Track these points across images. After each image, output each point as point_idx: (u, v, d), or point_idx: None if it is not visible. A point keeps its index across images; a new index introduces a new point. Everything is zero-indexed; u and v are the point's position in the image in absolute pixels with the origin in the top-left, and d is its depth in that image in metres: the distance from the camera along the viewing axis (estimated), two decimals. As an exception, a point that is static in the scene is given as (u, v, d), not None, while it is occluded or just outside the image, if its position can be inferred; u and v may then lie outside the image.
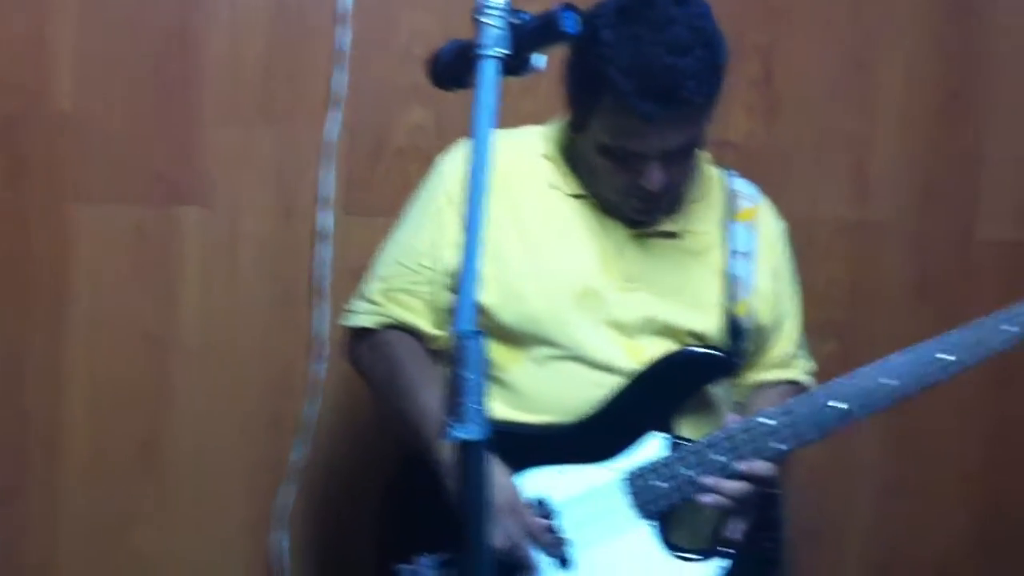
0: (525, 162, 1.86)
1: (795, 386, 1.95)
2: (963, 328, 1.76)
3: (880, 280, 2.68)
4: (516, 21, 1.29)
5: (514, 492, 1.74)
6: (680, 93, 1.66)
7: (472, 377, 1.26)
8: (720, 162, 1.96)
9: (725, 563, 1.78)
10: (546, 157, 1.87)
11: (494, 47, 1.28)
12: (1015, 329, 1.73)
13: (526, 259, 1.81)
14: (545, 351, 1.80)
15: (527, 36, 1.29)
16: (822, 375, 1.98)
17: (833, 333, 2.55)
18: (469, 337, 1.26)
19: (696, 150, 1.79)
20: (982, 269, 2.70)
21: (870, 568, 2.75)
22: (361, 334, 1.90)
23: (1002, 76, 2.66)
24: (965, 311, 1.86)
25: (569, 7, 1.30)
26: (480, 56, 1.28)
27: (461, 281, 1.26)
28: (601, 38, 1.68)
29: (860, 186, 2.64)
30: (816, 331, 2.08)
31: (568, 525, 1.77)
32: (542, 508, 1.77)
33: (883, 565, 2.75)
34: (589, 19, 1.63)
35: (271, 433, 2.34)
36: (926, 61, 2.63)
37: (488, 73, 1.29)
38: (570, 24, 1.31)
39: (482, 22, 1.28)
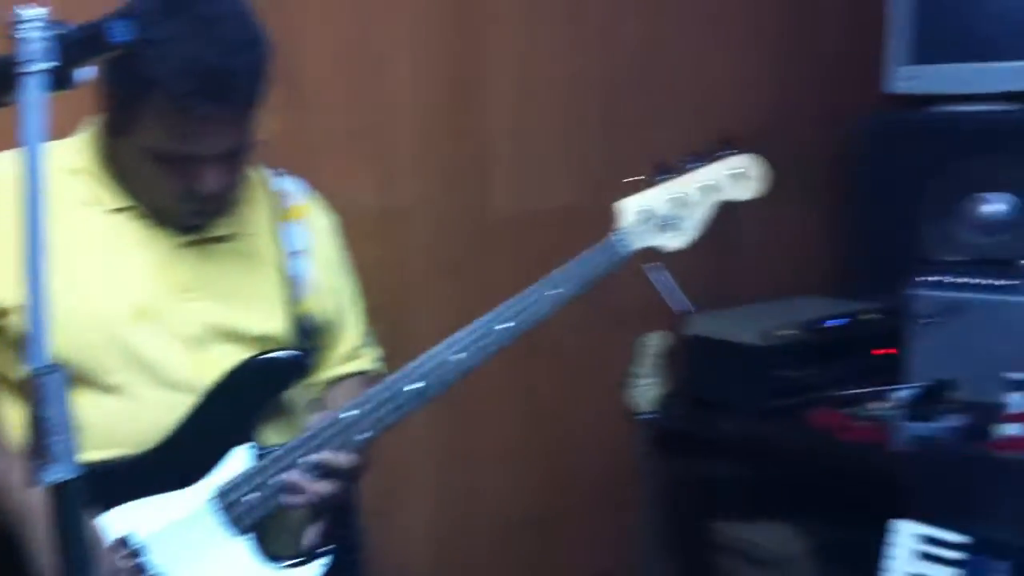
0: (50, 182, 1.73)
1: (366, 376, 1.98)
2: (515, 298, 1.86)
3: (413, 263, 2.79)
4: (60, 32, 1.22)
5: (95, 536, 1.63)
6: (235, 93, 1.63)
7: (55, 414, 1.23)
8: (257, 162, 1.94)
9: (327, 560, 1.78)
10: (77, 171, 1.75)
11: (37, 62, 1.21)
12: (561, 290, 1.87)
13: (70, 286, 1.66)
14: (110, 380, 1.70)
15: (74, 48, 1.23)
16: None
17: (379, 317, 2.62)
18: (46, 372, 1.22)
19: (248, 150, 1.76)
20: (498, 242, 2.89)
21: (437, 535, 2.88)
22: None
23: (499, 61, 2.86)
24: (489, 282, 2.01)
25: (121, 15, 1.25)
26: (22, 72, 1.20)
27: (30, 316, 1.20)
28: (147, 36, 1.56)
29: (386, 175, 2.73)
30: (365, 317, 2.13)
31: (160, 559, 1.69)
32: (127, 547, 1.67)
33: (449, 530, 2.88)
34: (129, 14, 1.55)
35: None
36: (431, 53, 2.75)
37: (33, 90, 1.21)
38: (120, 34, 1.26)
39: (20, 37, 1.20)
